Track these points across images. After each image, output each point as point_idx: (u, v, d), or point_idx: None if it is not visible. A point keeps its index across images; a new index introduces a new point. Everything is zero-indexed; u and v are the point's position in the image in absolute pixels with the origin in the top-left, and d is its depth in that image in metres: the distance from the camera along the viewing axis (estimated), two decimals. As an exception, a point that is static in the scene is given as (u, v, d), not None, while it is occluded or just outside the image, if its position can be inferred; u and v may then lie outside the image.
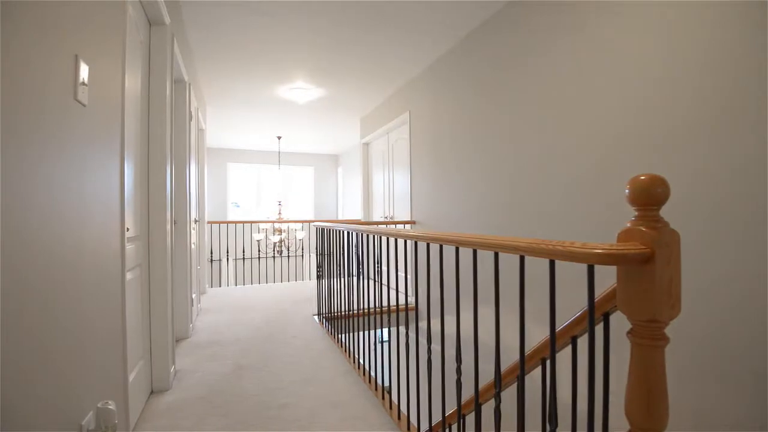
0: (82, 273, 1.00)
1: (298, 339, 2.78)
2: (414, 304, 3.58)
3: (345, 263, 2.66)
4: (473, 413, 1.43)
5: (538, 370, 1.15)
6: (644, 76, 1.73)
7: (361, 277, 2.39)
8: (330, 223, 2.95)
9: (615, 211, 1.86)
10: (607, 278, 0.82)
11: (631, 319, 0.67)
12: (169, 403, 1.83)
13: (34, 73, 0.78)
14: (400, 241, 3.61)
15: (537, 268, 1.56)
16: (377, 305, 2.38)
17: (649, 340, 0.65)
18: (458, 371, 1.29)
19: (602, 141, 1.94)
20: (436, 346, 2.85)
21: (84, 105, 1.01)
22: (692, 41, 1.54)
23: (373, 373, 2.13)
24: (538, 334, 1.93)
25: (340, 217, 8.08)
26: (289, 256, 5.85)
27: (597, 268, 0.75)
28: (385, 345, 4.09)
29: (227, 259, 5.94)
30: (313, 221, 4.07)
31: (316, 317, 3.37)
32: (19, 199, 0.73)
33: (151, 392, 1.91)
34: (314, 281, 5.20)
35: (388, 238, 1.93)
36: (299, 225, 6.54)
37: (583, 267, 0.75)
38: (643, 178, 0.66)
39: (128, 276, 1.51)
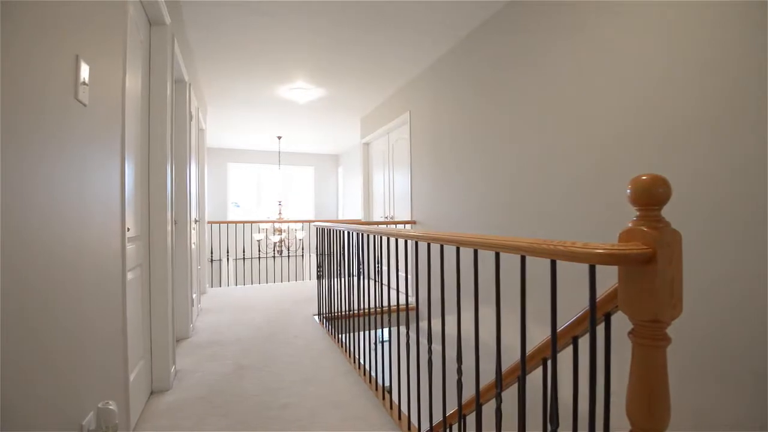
0: (82, 273, 1.00)
1: (298, 339, 2.78)
2: (414, 304, 3.58)
3: (345, 263, 2.66)
4: (473, 413, 1.43)
5: (539, 370, 1.15)
6: (644, 76, 1.72)
7: (361, 277, 2.39)
8: (330, 223, 2.95)
9: (615, 211, 1.85)
10: (608, 278, 0.82)
11: (632, 320, 0.67)
12: (169, 403, 1.83)
13: (35, 73, 0.78)
14: (401, 241, 3.61)
15: (537, 268, 1.56)
16: (377, 305, 2.38)
17: (651, 340, 0.65)
18: (459, 371, 1.29)
19: (602, 141, 1.94)
20: (436, 346, 2.85)
21: (85, 105, 1.01)
22: (692, 41, 1.54)
23: (373, 374, 2.13)
24: (538, 334, 1.93)
25: (341, 217, 8.08)
26: (289, 256, 5.85)
27: (598, 268, 0.75)
28: (386, 345, 4.08)
29: (227, 259, 5.94)
30: (314, 221, 4.07)
31: (316, 317, 3.37)
32: (20, 199, 0.73)
33: (152, 392, 1.91)
34: (314, 281, 5.20)
35: (388, 238, 1.93)
36: (299, 225, 6.54)
37: (584, 267, 0.74)
38: (644, 178, 0.66)
39: (129, 276, 1.51)
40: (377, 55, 3.33)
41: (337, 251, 2.83)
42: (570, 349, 1.01)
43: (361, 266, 2.40)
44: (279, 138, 6.55)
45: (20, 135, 0.73)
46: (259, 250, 5.65)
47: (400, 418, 1.71)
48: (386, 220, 4.68)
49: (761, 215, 1.33)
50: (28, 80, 0.76)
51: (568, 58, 2.12)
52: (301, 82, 3.95)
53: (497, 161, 2.70)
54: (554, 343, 0.88)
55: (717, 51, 1.46)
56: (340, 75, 3.79)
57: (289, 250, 5.59)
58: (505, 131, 2.63)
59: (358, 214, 6.71)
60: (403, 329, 3.83)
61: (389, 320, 1.98)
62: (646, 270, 0.64)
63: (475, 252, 1.13)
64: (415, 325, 3.48)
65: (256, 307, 3.75)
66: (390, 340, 2.09)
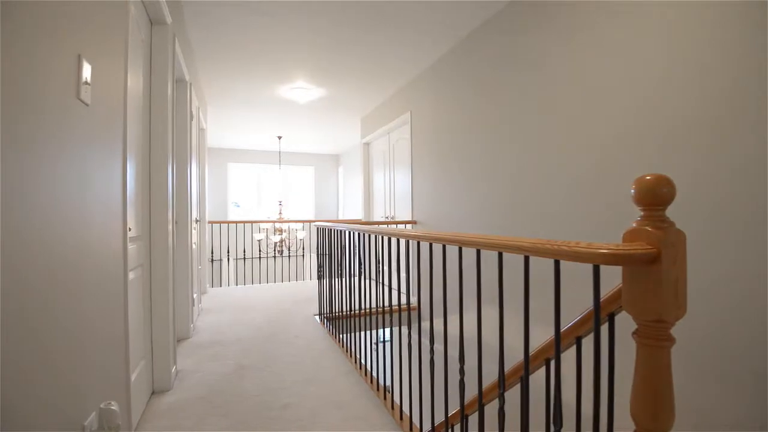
0: (83, 273, 1.00)
1: (299, 339, 2.78)
2: (416, 304, 3.58)
3: (346, 263, 2.66)
4: (475, 414, 1.43)
5: (541, 370, 1.15)
6: (645, 76, 1.73)
7: (362, 277, 2.39)
8: (331, 223, 2.95)
9: (615, 210, 1.86)
10: (611, 278, 0.82)
11: (636, 320, 0.67)
12: (170, 403, 1.83)
13: (37, 72, 0.78)
14: (402, 241, 3.62)
15: (539, 268, 1.56)
16: (378, 305, 2.37)
17: (655, 340, 0.65)
18: (461, 371, 1.29)
19: (602, 141, 1.94)
20: (438, 346, 2.85)
21: (87, 104, 1.01)
22: (692, 41, 1.54)
23: (374, 374, 2.13)
24: (540, 335, 1.93)
25: (341, 217, 8.08)
26: (289, 256, 5.85)
27: (602, 268, 0.75)
28: (387, 345, 4.08)
29: (228, 259, 5.94)
30: (314, 221, 4.07)
31: (317, 317, 3.37)
32: (21, 199, 0.73)
33: (153, 392, 1.91)
34: (315, 281, 5.20)
35: (389, 238, 1.93)
36: (300, 225, 6.53)
37: (586, 267, 0.75)
38: (648, 178, 0.66)
39: (130, 276, 1.51)
40: (377, 55, 3.33)
41: (337, 251, 2.83)
42: (572, 349, 1.01)
43: (362, 266, 2.40)
44: (279, 138, 6.55)
45: (22, 135, 0.73)
46: (260, 250, 5.65)
47: (401, 418, 1.71)
48: (387, 220, 4.68)
49: (761, 215, 1.33)
50: (31, 79, 0.76)
51: (568, 58, 2.12)
52: (302, 82, 3.95)
53: (498, 161, 2.70)
54: (558, 344, 0.88)
55: (717, 51, 1.46)
56: (341, 75, 3.78)
57: (289, 250, 5.59)
58: (505, 131, 2.63)
59: (358, 214, 6.71)
60: (404, 329, 3.83)
61: (390, 320, 1.98)
62: (651, 270, 0.64)
63: (478, 252, 1.13)
64: (416, 325, 3.48)
65: (256, 307, 3.75)
66: (391, 340, 2.08)
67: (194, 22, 2.72)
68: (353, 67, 3.60)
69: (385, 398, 1.88)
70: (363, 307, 2.37)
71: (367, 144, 5.26)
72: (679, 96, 1.59)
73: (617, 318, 0.85)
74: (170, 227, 1.96)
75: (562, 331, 0.92)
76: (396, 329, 3.71)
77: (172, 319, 2.00)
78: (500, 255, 1.02)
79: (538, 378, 1.26)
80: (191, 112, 2.81)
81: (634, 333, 0.68)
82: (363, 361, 2.27)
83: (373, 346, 2.29)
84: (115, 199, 1.25)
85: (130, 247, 1.53)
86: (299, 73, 3.75)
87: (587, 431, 0.95)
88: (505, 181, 2.63)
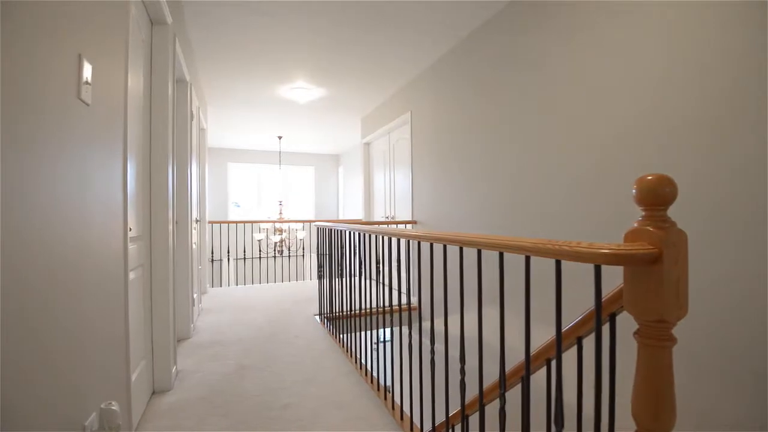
0: (83, 273, 1.00)
1: (299, 339, 2.78)
2: (417, 304, 3.58)
3: (346, 263, 2.66)
4: (476, 414, 1.43)
5: (542, 371, 1.15)
6: (645, 76, 1.73)
7: (362, 277, 2.39)
8: (331, 223, 2.95)
9: (616, 210, 1.86)
10: (612, 278, 0.82)
11: (638, 320, 0.67)
12: (171, 403, 1.83)
13: (37, 72, 0.78)
14: (403, 241, 3.62)
15: (538, 268, 1.56)
16: (379, 305, 2.37)
17: (657, 340, 0.65)
18: (462, 371, 1.29)
19: (602, 141, 1.94)
20: (439, 346, 2.85)
21: (87, 104, 1.01)
22: (692, 41, 1.54)
23: (375, 374, 2.13)
24: (540, 335, 1.93)
25: (341, 217, 8.08)
26: (290, 255, 5.85)
27: (603, 268, 0.75)
28: (387, 345, 4.08)
29: (228, 259, 5.94)
30: (314, 221, 4.07)
31: (317, 317, 3.37)
32: (21, 199, 0.73)
33: (153, 392, 1.91)
34: (315, 281, 5.20)
35: (390, 238, 1.93)
36: (300, 225, 6.53)
37: (586, 267, 0.74)
38: (650, 178, 0.66)
39: (131, 276, 1.51)
40: (378, 55, 3.33)
41: (338, 251, 2.83)
42: (573, 349, 1.01)
43: (362, 266, 2.40)
44: (279, 138, 6.55)
45: (22, 134, 0.73)
46: (260, 250, 5.64)
47: (402, 418, 1.71)
48: (387, 220, 4.68)
49: (761, 215, 1.33)
50: (32, 79, 0.76)
51: (568, 58, 2.12)
52: (302, 82, 3.95)
53: (498, 161, 2.70)
54: (559, 344, 0.88)
55: (717, 51, 1.46)
56: (341, 75, 3.78)
57: (289, 250, 5.59)
58: (505, 131, 2.63)
59: (358, 214, 6.71)
60: (405, 329, 3.83)
61: (391, 320, 1.98)
62: (652, 270, 0.64)
63: (479, 252, 1.13)
64: (416, 325, 3.47)
65: (256, 307, 3.75)
66: (392, 340, 2.08)
67: (194, 22, 2.72)
68: (353, 67, 3.60)
69: (385, 398, 1.88)
70: (363, 307, 2.37)
71: (368, 144, 5.26)
72: (679, 96, 1.59)
73: (618, 318, 0.85)
74: (171, 227, 1.96)
75: (563, 331, 0.92)
76: (396, 329, 3.71)
77: (172, 319, 2.00)
78: (501, 255, 1.02)
79: (538, 378, 1.26)
80: (191, 112, 2.81)
81: (635, 333, 0.68)
82: (363, 362, 2.27)
83: (374, 346, 2.29)
84: (115, 199, 1.25)
85: (131, 247, 1.53)
86: (299, 73, 3.75)
87: (588, 431, 0.95)
88: (505, 181, 2.63)
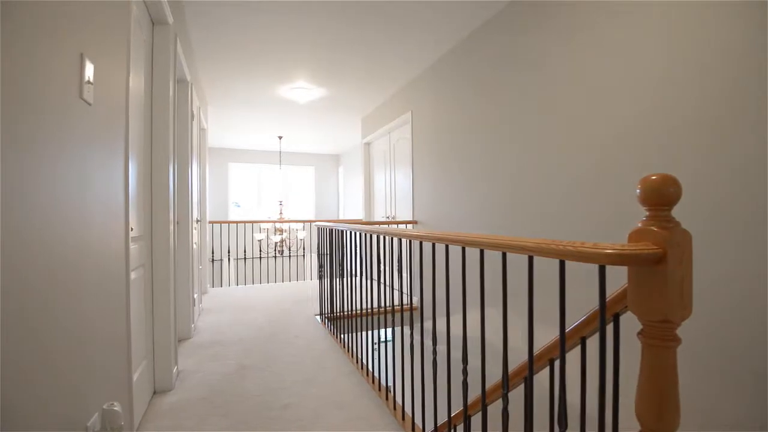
0: (83, 273, 0.99)
1: (300, 339, 2.78)
2: (418, 304, 3.58)
3: (347, 263, 2.66)
4: (478, 414, 1.43)
5: (545, 371, 1.15)
6: (645, 76, 1.73)
7: (363, 277, 2.39)
8: (332, 223, 2.95)
9: (616, 210, 1.86)
10: (614, 278, 0.82)
11: (642, 320, 0.67)
12: (172, 403, 1.82)
13: (38, 72, 0.77)
14: (405, 241, 3.61)
15: (540, 269, 1.56)
16: (380, 305, 2.37)
17: (661, 340, 0.65)
18: (464, 372, 1.29)
19: (602, 141, 1.94)
20: (441, 347, 2.85)
21: (89, 104, 1.01)
22: (692, 41, 1.54)
23: (376, 374, 2.13)
24: (542, 335, 1.93)
25: (341, 217, 8.08)
26: (290, 255, 5.84)
27: (606, 267, 0.74)
28: (389, 345, 4.09)
29: (228, 259, 5.93)
30: (315, 221, 4.06)
31: (318, 317, 3.37)
32: (21, 199, 0.72)
33: (154, 392, 1.91)
34: (315, 281, 5.20)
35: (392, 238, 1.92)
36: (300, 225, 6.53)
37: (587, 267, 0.74)
38: (654, 177, 0.66)
39: (132, 276, 1.50)
40: (378, 54, 3.33)
41: (338, 251, 2.83)
42: (576, 350, 1.01)
43: (363, 266, 2.40)
44: (280, 138, 6.55)
45: (23, 134, 0.73)
46: (260, 250, 5.64)
47: (403, 418, 1.71)
48: (388, 219, 4.68)
49: (761, 215, 1.33)
50: (33, 78, 0.76)
51: (568, 58, 2.12)
52: (302, 81, 3.95)
53: (498, 161, 2.70)
54: (563, 344, 0.88)
55: (717, 51, 1.46)
56: (341, 75, 3.78)
57: (290, 250, 5.59)
58: (505, 131, 2.63)
59: (358, 214, 6.71)
60: (406, 329, 3.83)
61: (393, 320, 1.98)
62: (657, 270, 0.64)
63: (482, 252, 1.13)
64: (417, 325, 3.47)
65: (257, 307, 3.74)
66: (393, 341, 2.08)
67: (195, 21, 2.71)
68: (354, 67, 3.60)
69: (387, 399, 1.88)
70: (364, 307, 2.37)
71: (368, 144, 5.26)
72: (679, 96, 1.59)
73: (621, 318, 0.85)
74: (172, 227, 1.96)
75: (566, 331, 0.92)
76: (398, 329, 3.71)
77: (173, 319, 2.00)
78: (504, 255, 1.02)
79: (541, 378, 1.26)
80: (192, 112, 2.81)
81: (639, 333, 0.68)
82: (364, 362, 2.27)
83: (374, 346, 2.29)
84: (117, 198, 1.25)
85: (132, 247, 1.52)
86: (300, 73, 3.75)
87: (592, 431, 0.95)
88: (505, 181, 2.63)
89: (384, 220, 4.76)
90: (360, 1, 2.50)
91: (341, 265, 2.76)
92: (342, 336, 2.67)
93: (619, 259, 0.66)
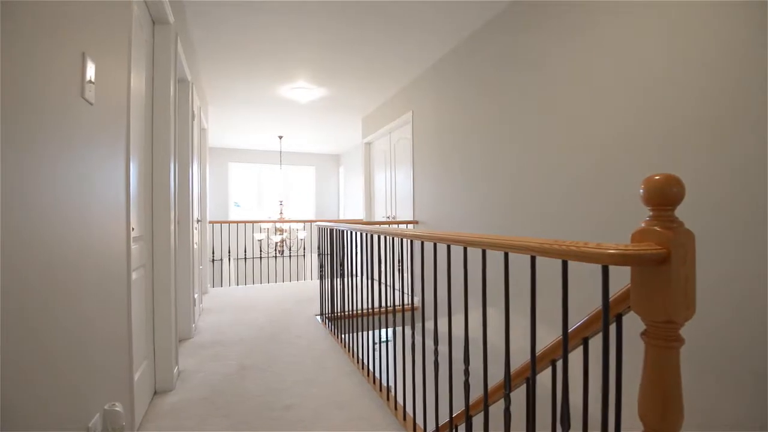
0: (83, 273, 0.99)
1: (301, 339, 2.78)
2: (420, 304, 3.58)
3: (348, 263, 2.66)
4: (479, 415, 1.42)
5: (547, 372, 1.14)
6: (646, 77, 1.72)
7: (363, 277, 2.39)
8: (332, 223, 2.95)
9: (616, 210, 1.86)
10: (616, 278, 0.81)
11: (645, 321, 0.67)
12: (173, 403, 1.82)
13: (38, 72, 0.77)
14: (406, 241, 3.61)
15: (542, 269, 1.56)
16: (380, 305, 2.37)
17: (664, 341, 0.65)
18: (466, 372, 1.29)
19: (602, 141, 1.94)
20: (442, 347, 2.85)
21: (91, 103, 1.01)
22: (692, 41, 1.54)
23: (377, 374, 2.13)
24: (544, 335, 1.93)
25: (342, 217, 8.08)
26: (290, 255, 5.84)
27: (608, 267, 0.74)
28: (390, 345, 4.09)
29: (228, 259, 5.93)
30: (315, 221, 4.06)
31: (318, 317, 3.37)
32: (21, 199, 0.72)
33: (155, 393, 1.91)
34: (316, 281, 5.20)
35: (393, 238, 1.92)
36: (301, 225, 6.53)
37: (589, 267, 0.74)
38: (657, 177, 0.65)
39: (133, 276, 1.50)
40: (379, 54, 3.33)
41: (339, 251, 2.83)
42: (578, 350, 1.01)
43: (364, 266, 2.40)
44: (280, 138, 6.55)
45: (23, 134, 0.72)
46: (261, 250, 5.64)
47: (405, 419, 1.71)
48: (388, 220, 4.68)
49: (761, 215, 1.33)
50: (35, 78, 0.75)
51: (569, 58, 2.12)
52: (303, 81, 3.95)
53: (498, 161, 2.69)
54: (566, 344, 0.88)
55: (717, 51, 1.46)
56: (342, 74, 3.78)
57: (290, 250, 5.59)
58: (506, 131, 2.63)
59: (359, 214, 6.71)
60: (407, 329, 3.83)
61: (394, 320, 1.98)
62: (660, 270, 0.63)
63: (484, 252, 1.13)
64: (419, 325, 3.47)
65: (257, 307, 3.74)
66: (394, 340, 2.08)
67: (196, 21, 2.71)
68: (355, 67, 3.60)
69: (388, 399, 1.87)
70: (365, 307, 2.37)
71: (369, 144, 5.25)
72: (680, 96, 1.59)
73: (624, 318, 0.85)
74: (172, 227, 1.96)
75: (569, 331, 0.92)
76: (399, 329, 3.71)
77: (174, 319, 2.00)
78: (506, 255, 1.02)
79: (543, 379, 1.25)
80: (193, 111, 2.81)
81: (642, 334, 0.67)
82: (365, 362, 2.27)
83: (375, 347, 2.29)
84: (118, 199, 1.25)
85: (133, 247, 1.52)
86: (301, 73, 3.75)
87: (594, 431, 0.94)
88: (505, 180, 2.62)
89: (385, 220, 4.76)
90: (360, 0, 2.49)
91: (342, 265, 2.76)
92: (343, 336, 2.66)
93: (622, 259, 0.65)
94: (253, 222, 5.55)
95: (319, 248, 3.50)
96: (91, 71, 0.98)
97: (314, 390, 1.99)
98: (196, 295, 3.07)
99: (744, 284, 1.38)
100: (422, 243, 1.54)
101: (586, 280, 1.61)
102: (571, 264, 0.84)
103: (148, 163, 1.82)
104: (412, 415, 1.72)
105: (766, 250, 1.32)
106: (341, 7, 2.57)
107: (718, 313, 1.44)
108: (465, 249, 1.20)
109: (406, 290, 4.06)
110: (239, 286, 5.06)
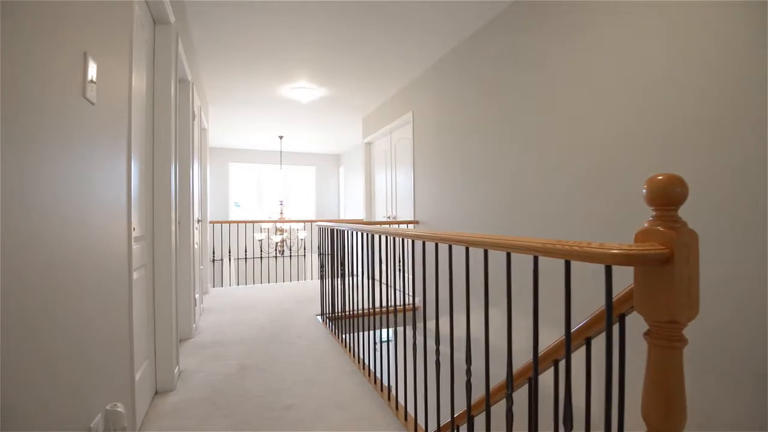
0: (84, 273, 0.99)
1: (301, 339, 2.77)
2: (420, 304, 3.58)
3: (348, 263, 2.66)
4: (480, 415, 1.42)
5: (549, 372, 1.14)
6: (646, 77, 1.72)
7: (364, 276, 2.39)
8: (333, 223, 2.95)
9: (616, 210, 1.86)
10: (618, 278, 0.81)
11: (648, 321, 0.67)
12: (174, 403, 1.82)
13: (40, 71, 0.77)
14: (407, 241, 3.61)
15: (543, 269, 1.56)
16: (381, 305, 2.37)
17: (667, 341, 0.65)
18: (468, 372, 1.29)
19: (602, 141, 1.94)
20: (444, 348, 2.85)
21: (92, 103, 1.00)
22: (693, 41, 1.54)
23: (378, 374, 2.13)
24: (546, 336, 1.93)
25: (342, 217, 8.08)
26: (291, 255, 5.84)
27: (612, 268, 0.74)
28: (391, 345, 4.08)
29: (229, 259, 5.93)
30: (315, 221, 4.06)
31: (319, 317, 3.37)
32: (22, 199, 0.72)
33: (156, 393, 1.91)
34: (316, 281, 5.20)
35: (394, 238, 1.92)
36: (301, 225, 6.53)
37: (590, 268, 0.74)
38: (660, 178, 0.65)
39: (134, 276, 1.50)
40: (380, 54, 3.33)
41: (340, 251, 2.83)
42: (580, 350, 1.01)
43: (364, 266, 2.40)
44: (281, 138, 6.54)
45: (23, 134, 0.72)
46: (261, 250, 5.64)
47: (406, 419, 1.71)
48: (389, 219, 4.68)
49: (761, 215, 1.33)
50: (35, 78, 0.75)
51: (569, 58, 2.12)
52: (304, 81, 3.94)
53: (499, 161, 2.69)
54: (568, 344, 0.88)
55: (717, 51, 1.46)
56: (342, 74, 3.78)
57: (290, 250, 5.59)
58: (506, 131, 2.63)
59: (359, 214, 6.71)
60: (408, 329, 3.83)
61: (395, 320, 1.98)
62: (663, 270, 0.63)
63: (485, 252, 1.13)
64: (420, 325, 3.47)
65: (258, 307, 3.74)
66: (395, 341, 2.08)
67: (197, 21, 2.71)
68: (355, 67, 3.60)
69: (389, 399, 1.87)
70: (366, 307, 2.36)
71: (369, 144, 5.25)
72: (680, 96, 1.59)
73: (627, 318, 0.85)
74: (173, 227, 1.96)
75: (571, 331, 0.92)
76: (400, 329, 3.71)
77: (175, 319, 2.00)
78: (508, 255, 1.02)
79: (545, 379, 1.25)
80: (193, 111, 2.81)
81: (645, 334, 0.67)
82: (366, 362, 2.27)
83: (376, 347, 2.28)
84: (119, 199, 1.25)
85: (134, 247, 1.52)
86: (301, 73, 3.74)
87: (597, 431, 0.95)
88: (505, 180, 2.62)
89: (385, 220, 4.76)
90: (360, 0, 2.49)
91: (342, 265, 2.76)
92: (343, 336, 2.66)
93: (625, 259, 0.65)
94: (253, 222, 5.55)
95: (319, 248, 3.49)
96: (92, 71, 0.98)
97: (315, 390, 1.99)
98: (196, 295, 3.07)
99: (744, 284, 1.38)
100: (423, 243, 1.53)
101: (588, 280, 1.61)
102: (573, 264, 0.84)
103: (148, 163, 1.82)
104: (413, 415, 1.72)
105: (766, 250, 1.32)
106: (341, 7, 2.57)
107: (718, 313, 1.44)
108: (467, 249, 1.20)
109: (406, 290, 4.06)
110: (240, 286, 5.06)
